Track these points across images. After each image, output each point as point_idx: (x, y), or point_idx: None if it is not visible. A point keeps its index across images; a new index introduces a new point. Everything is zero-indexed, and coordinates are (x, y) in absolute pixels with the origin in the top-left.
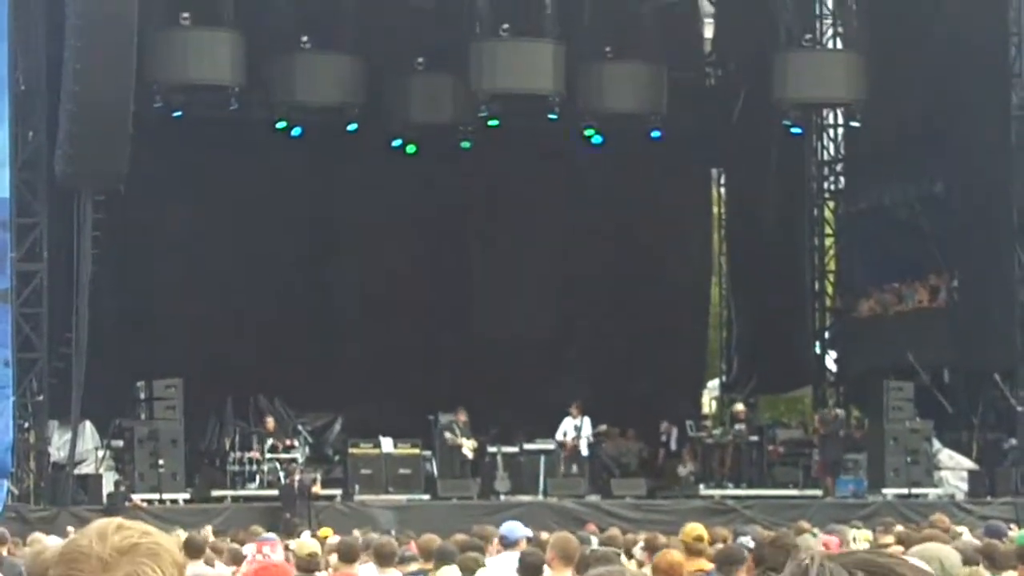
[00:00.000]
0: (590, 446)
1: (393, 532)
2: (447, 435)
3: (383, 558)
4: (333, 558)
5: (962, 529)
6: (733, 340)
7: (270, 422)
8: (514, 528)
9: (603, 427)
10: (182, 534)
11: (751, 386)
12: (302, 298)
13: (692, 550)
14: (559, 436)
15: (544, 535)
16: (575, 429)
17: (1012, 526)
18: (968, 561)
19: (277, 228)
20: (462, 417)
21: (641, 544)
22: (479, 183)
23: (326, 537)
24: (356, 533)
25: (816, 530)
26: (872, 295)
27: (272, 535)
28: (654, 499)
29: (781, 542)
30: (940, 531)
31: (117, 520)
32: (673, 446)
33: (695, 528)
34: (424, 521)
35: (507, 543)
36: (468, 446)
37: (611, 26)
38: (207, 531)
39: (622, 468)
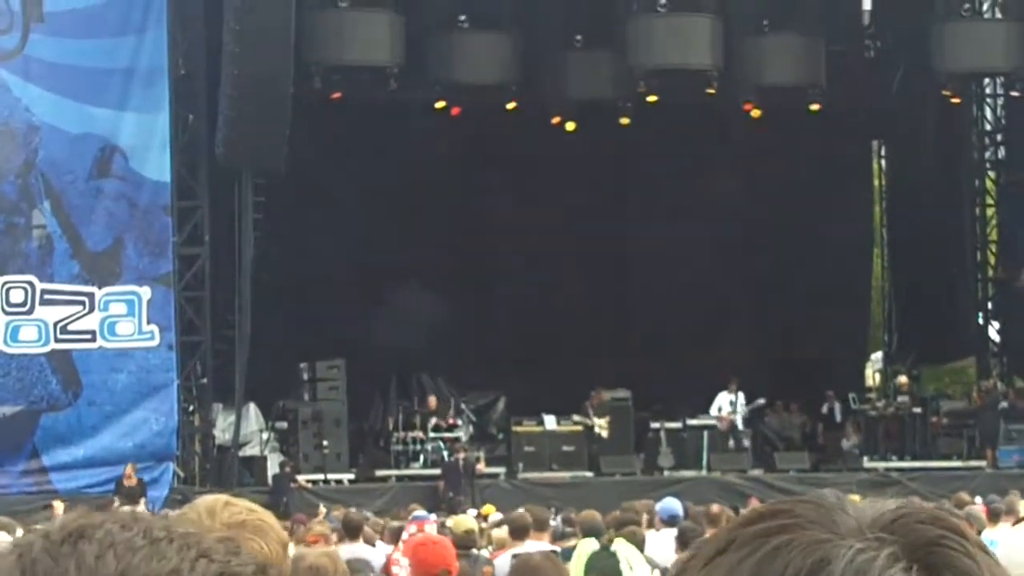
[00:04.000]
0: (747, 420)
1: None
2: (575, 416)
3: (517, 532)
4: (497, 532)
5: None
6: (895, 312)
7: (432, 401)
8: (670, 505)
9: (761, 400)
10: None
11: (914, 358)
12: (462, 276)
13: None
14: (714, 411)
15: (714, 508)
16: (730, 404)
17: None
18: None
19: (437, 207)
20: (597, 399)
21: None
22: (638, 159)
23: (488, 515)
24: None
25: (978, 499)
26: None
27: (426, 513)
28: (818, 472)
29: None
30: None
31: (225, 497)
32: (837, 418)
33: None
34: (586, 498)
35: (664, 519)
36: (599, 424)
37: None
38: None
39: (785, 442)
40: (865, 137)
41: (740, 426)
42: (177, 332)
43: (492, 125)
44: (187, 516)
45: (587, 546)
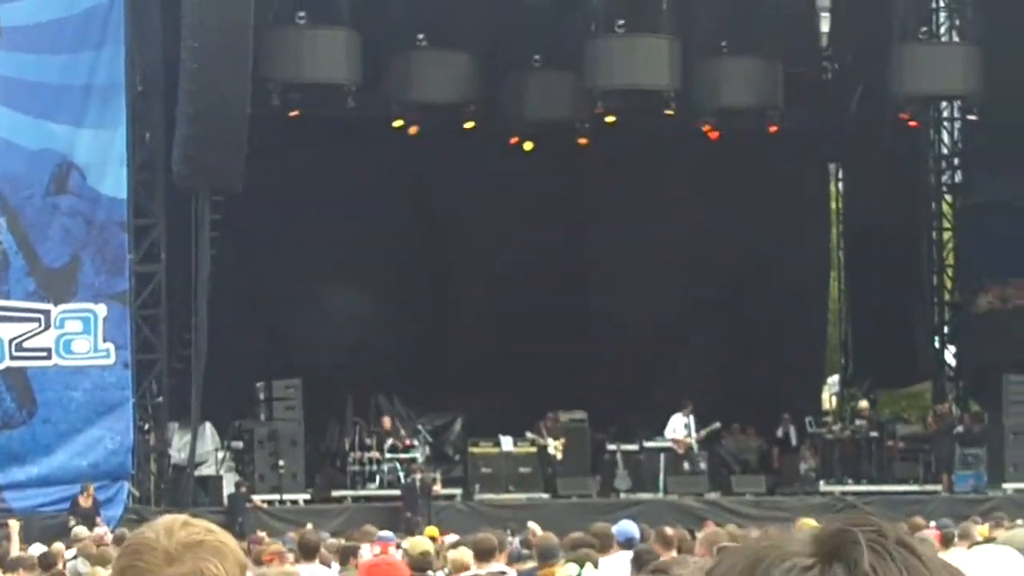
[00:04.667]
0: (701, 443)
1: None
2: (529, 434)
3: (481, 555)
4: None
5: None
6: (852, 335)
7: (387, 421)
8: (626, 527)
9: (717, 424)
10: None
11: (870, 381)
12: (420, 297)
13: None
14: (668, 433)
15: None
16: (684, 427)
17: None
18: None
19: (394, 227)
20: (549, 420)
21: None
22: (595, 179)
23: (433, 536)
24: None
25: (932, 523)
26: (991, 289)
27: (390, 534)
28: (774, 495)
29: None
30: None
31: (184, 516)
32: (793, 442)
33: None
34: (542, 520)
35: (620, 542)
36: (554, 445)
37: (726, 21)
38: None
39: (742, 465)
40: (822, 159)
41: (695, 449)
42: (133, 350)
43: (450, 144)
44: (144, 534)
45: (568, 571)
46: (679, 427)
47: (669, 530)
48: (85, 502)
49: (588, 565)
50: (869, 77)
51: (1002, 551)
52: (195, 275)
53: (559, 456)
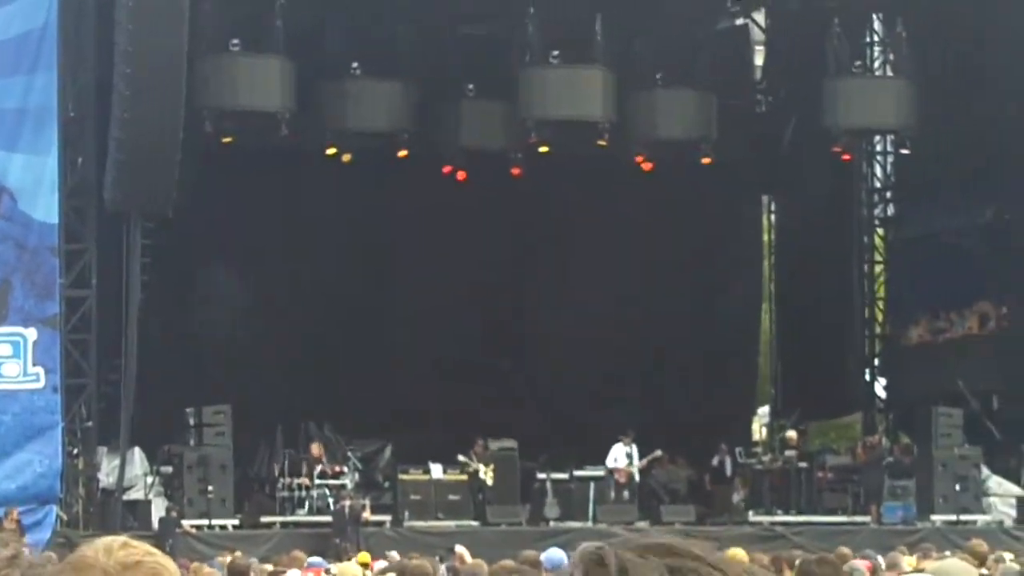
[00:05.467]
0: (641, 472)
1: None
2: (460, 458)
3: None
4: None
5: (1008, 555)
6: (783, 367)
7: (315, 448)
8: (553, 555)
9: (658, 452)
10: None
11: (800, 412)
12: (352, 324)
13: None
14: (610, 463)
15: None
16: (627, 456)
17: None
18: None
19: (327, 255)
20: (479, 446)
21: None
22: (529, 210)
23: (365, 563)
24: (395, 556)
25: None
26: (922, 322)
27: (319, 560)
28: (703, 525)
29: (828, 560)
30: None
31: (124, 538)
32: (728, 472)
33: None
34: (472, 547)
35: (548, 569)
36: (484, 470)
37: (661, 53)
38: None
39: (671, 495)
40: (755, 192)
41: (636, 478)
42: (63, 374)
43: (383, 173)
44: (84, 554)
45: None
46: (620, 456)
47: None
48: (10, 525)
49: None
50: (803, 110)
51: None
52: (126, 300)
53: (490, 482)
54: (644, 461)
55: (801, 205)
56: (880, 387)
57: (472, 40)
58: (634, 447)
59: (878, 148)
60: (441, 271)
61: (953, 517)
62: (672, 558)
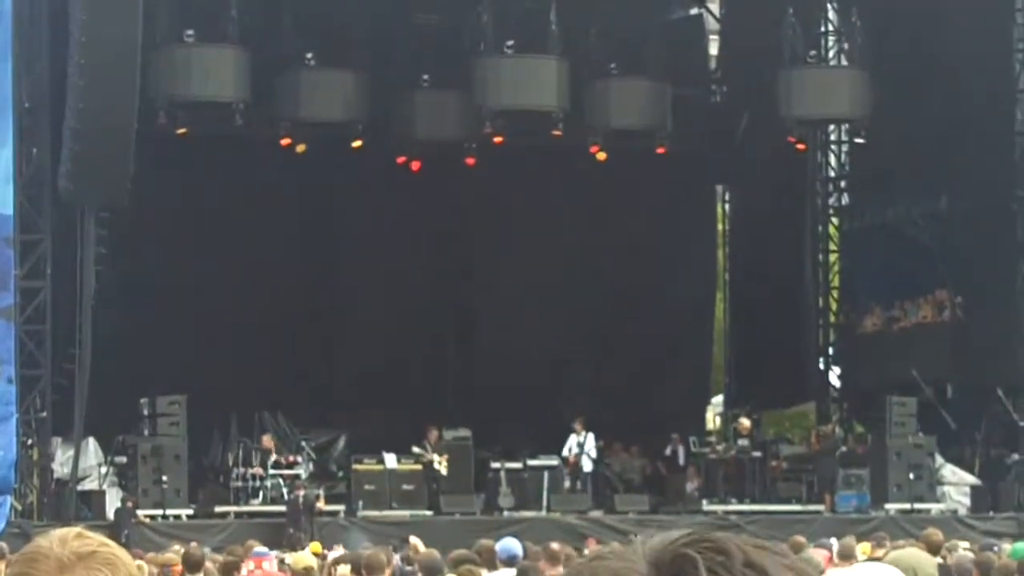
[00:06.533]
0: (594, 462)
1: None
2: (415, 449)
3: (372, 570)
4: (342, 569)
5: (963, 543)
6: (737, 356)
7: (266, 439)
8: (509, 545)
9: (600, 443)
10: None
11: (754, 402)
12: (305, 314)
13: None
14: (565, 452)
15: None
16: (578, 445)
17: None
18: (961, 573)
19: (281, 244)
20: (433, 435)
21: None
22: (484, 200)
23: (317, 552)
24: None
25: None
26: (876, 311)
27: (266, 550)
28: (657, 514)
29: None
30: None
31: (78, 528)
32: (681, 461)
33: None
34: (426, 537)
35: (503, 559)
36: (438, 460)
37: (616, 43)
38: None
39: (626, 484)
40: (709, 181)
41: (586, 468)
42: (17, 365)
43: (338, 163)
44: (39, 543)
45: None
46: (573, 446)
47: (556, 546)
48: None
49: None
50: (757, 100)
51: (888, 570)
52: (80, 291)
53: (444, 472)
54: (594, 449)
55: (755, 195)
56: (834, 376)
57: (426, 30)
58: (588, 435)
59: (832, 138)
60: (395, 261)
61: (907, 506)
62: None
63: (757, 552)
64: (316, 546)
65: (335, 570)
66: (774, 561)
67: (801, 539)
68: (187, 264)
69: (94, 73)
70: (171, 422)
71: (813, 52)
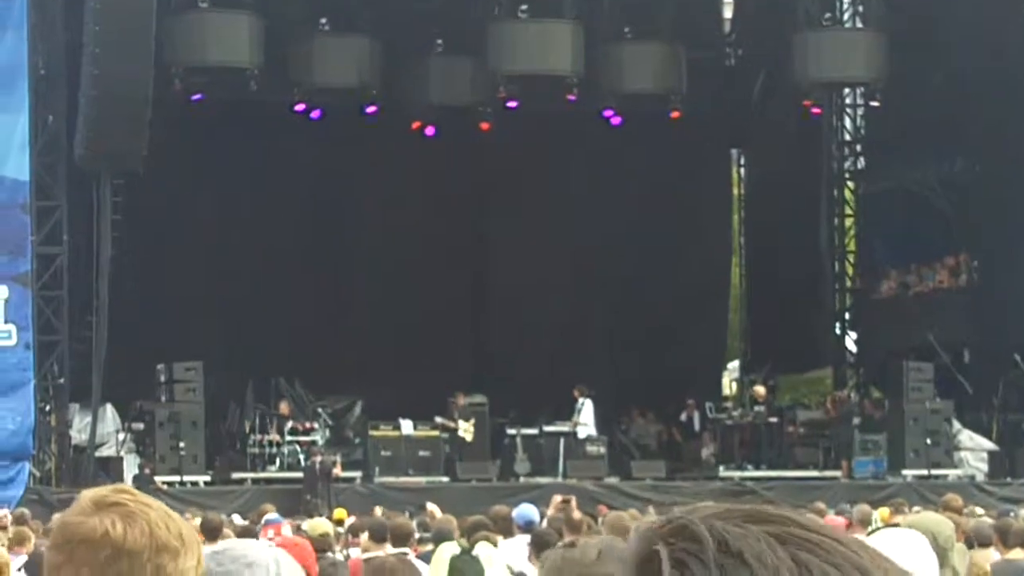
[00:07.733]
0: (599, 428)
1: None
2: (438, 419)
3: (398, 538)
4: (363, 537)
5: (980, 510)
6: (753, 321)
7: (284, 406)
8: (526, 511)
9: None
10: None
11: (770, 367)
12: (321, 280)
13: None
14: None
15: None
16: (577, 412)
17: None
18: (980, 539)
19: (296, 210)
20: (460, 401)
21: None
22: (497, 165)
23: (341, 519)
24: (378, 512)
25: (831, 511)
26: (892, 276)
27: (279, 517)
28: (673, 480)
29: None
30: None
31: (121, 485)
32: (696, 427)
33: None
34: (442, 503)
35: (520, 525)
36: (464, 428)
37: (630, 6)
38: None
39: (641, 450)
40: (724, 145)
41: (580, 434)
42: (35, 331)
43: (351, 128)
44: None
45: (447, 549)
46: (574, 414)
47: (577, 514)
48: None
49: (485, 544)
50: (772, 63)
51: (907, 534)
52: (97, 257)
53: (469, 438)
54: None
55: (770, 159)
56: (850, 341)
57: None
58: (586, 402)
59: (847, 101)
60: (408, 226)
61: (924, 472)
62: (772, 525)
63: (738, 537)
64: (340, 512)
65: (351, 538)
66: (756, 546)
67: (822, 505)
68: (203, 230)
69: (109, 40)
70: (188, 388)
71: (828, 14)
